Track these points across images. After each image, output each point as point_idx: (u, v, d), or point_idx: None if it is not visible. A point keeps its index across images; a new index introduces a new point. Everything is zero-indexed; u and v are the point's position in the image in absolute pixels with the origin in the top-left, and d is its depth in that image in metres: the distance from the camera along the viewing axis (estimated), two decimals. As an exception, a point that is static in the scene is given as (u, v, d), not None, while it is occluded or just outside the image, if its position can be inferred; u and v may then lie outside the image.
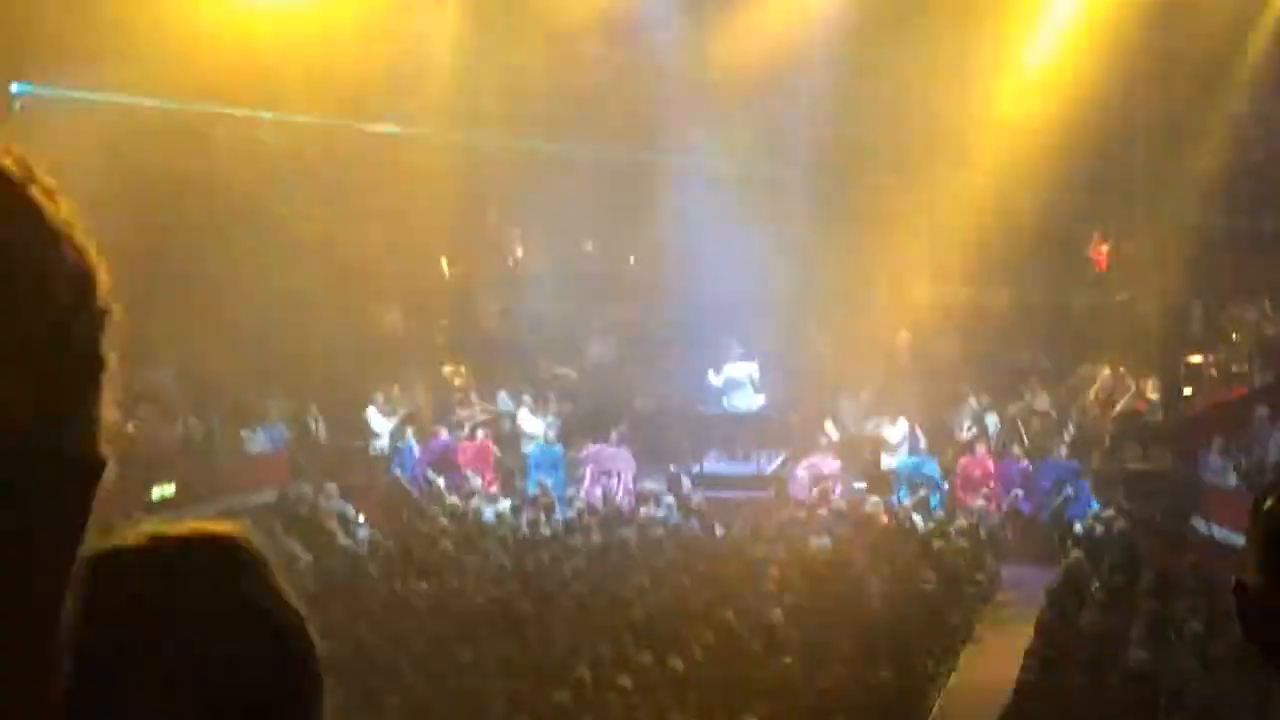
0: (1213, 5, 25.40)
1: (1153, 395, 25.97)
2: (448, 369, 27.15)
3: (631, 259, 30.28)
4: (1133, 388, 25.94)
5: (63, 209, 1.50)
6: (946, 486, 24.17)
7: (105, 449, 1.50)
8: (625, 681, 15.36)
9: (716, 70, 27.59)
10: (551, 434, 25.25)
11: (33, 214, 1.47)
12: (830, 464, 24.32)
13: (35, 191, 1.48)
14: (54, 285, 1.46)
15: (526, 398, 25.99)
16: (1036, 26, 27.11)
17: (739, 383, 26.34)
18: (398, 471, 24.79)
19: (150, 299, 26.91)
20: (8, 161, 1.48)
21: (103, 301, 1.51)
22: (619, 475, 24.77)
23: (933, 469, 24.38)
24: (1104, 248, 29.23)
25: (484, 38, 27.23)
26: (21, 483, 1.41)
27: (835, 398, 26.11)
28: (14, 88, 23.22)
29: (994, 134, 26.47)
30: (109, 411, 1.53)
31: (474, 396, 26.38)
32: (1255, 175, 26.82)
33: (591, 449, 25.25)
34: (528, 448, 25.42)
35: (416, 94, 27.50)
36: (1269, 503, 2.47)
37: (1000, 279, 28.76)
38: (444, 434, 25.20)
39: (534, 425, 25.48)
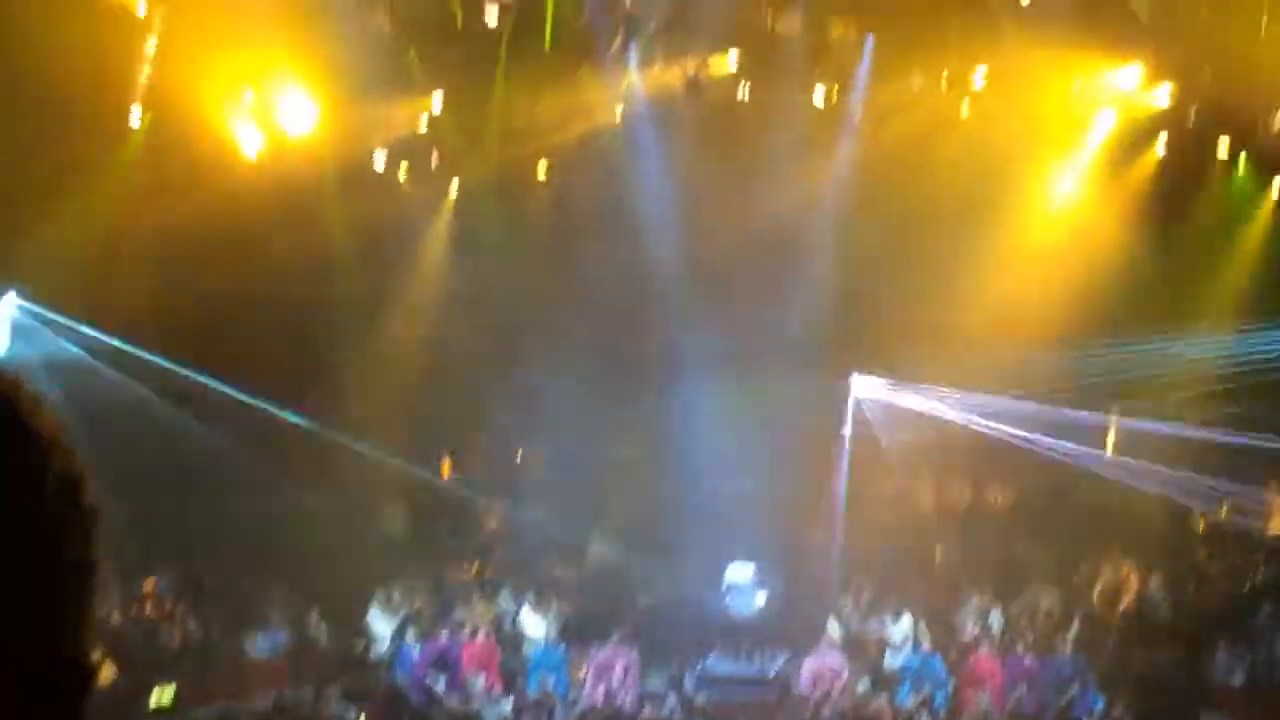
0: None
1: (1158, 591, 25.84)
2: (450, 569, 27.04)
3: (627, 456, 30.19)
4: (1137, 584, 25.83)
5: (49, 417, 1.53)
6: (951, 685, 23.94)
7: (96, 653, 1.51)
8: None
9: (716, 261, 28.08)
10: (553, 634, 25.08)
11: (22, 425, 1.51)
12: (834, 661, 24.12)
13: (24, 402, 1.52)
14: (44, 494, 1.49)
15: (529, 597, 25.85)
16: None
17: (741, 583, 26.26)
18: (398, 673, 24.57)
19: (155, 501, 27.09)
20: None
21: (90, 505, 1.54)
22: (621, 676, 24.55)
23: (937, 667, 24.18)
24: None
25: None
26: (17, 688, 1.42)
27: (837, 596, 25.96)
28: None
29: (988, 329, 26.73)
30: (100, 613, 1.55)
31: (475, 597, 26.21)
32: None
33: (593, 650, 25.07)
34: (529, 648, 25.23)
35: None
36: None
37: (1000, 474, 28.85)
38: (444, 635, 25.01)
39: (535, 625, 25.32)
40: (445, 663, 24.60)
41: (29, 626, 1.47)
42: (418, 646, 24.83)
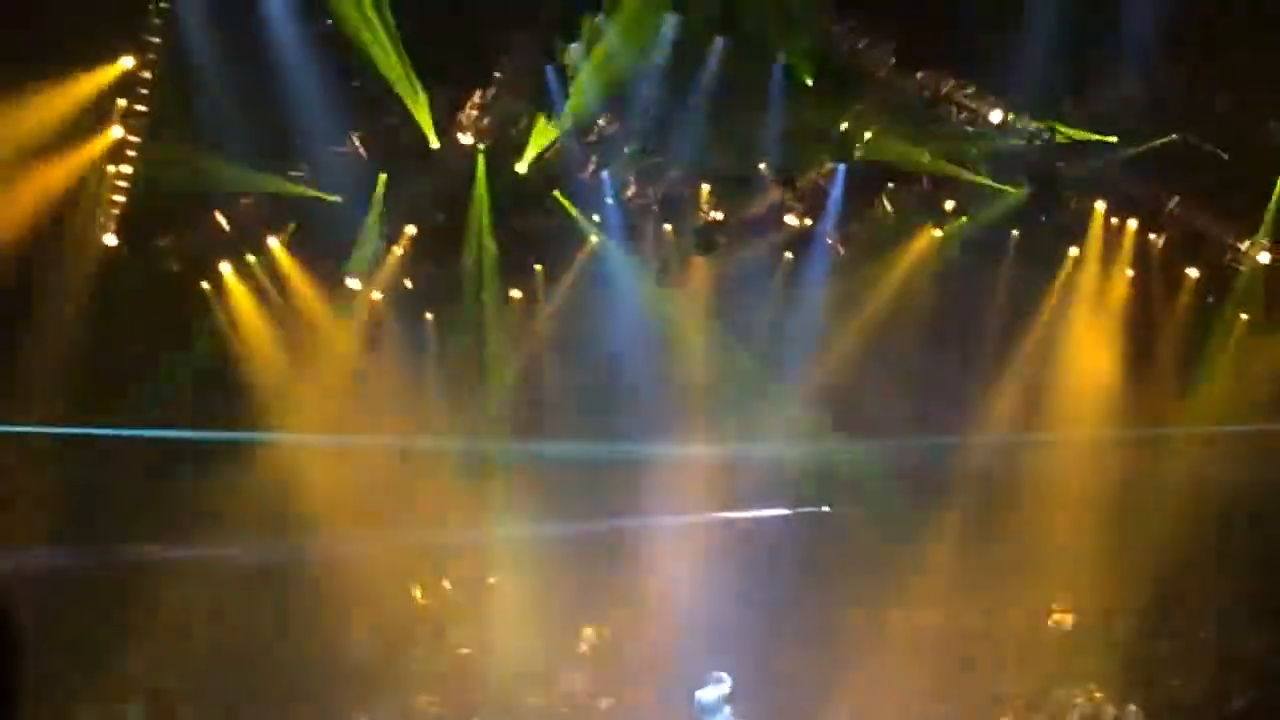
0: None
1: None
2: (421, 699, 26.85)
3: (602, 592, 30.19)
4: (1112, 714, 25.71)
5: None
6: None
7: None
8: None
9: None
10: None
11: None
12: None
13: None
14: None
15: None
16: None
17: (713, 706, 26.02)
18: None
19: (121, 630, 27.00)
20: None
21: (14, 641, 1.62)
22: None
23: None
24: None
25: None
26: None
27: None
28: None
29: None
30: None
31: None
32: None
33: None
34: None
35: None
36: None
37: (971, 600, 28.87)
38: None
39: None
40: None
41: None
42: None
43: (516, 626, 28.52)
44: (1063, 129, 28.60)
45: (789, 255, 31.66)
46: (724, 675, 26.48)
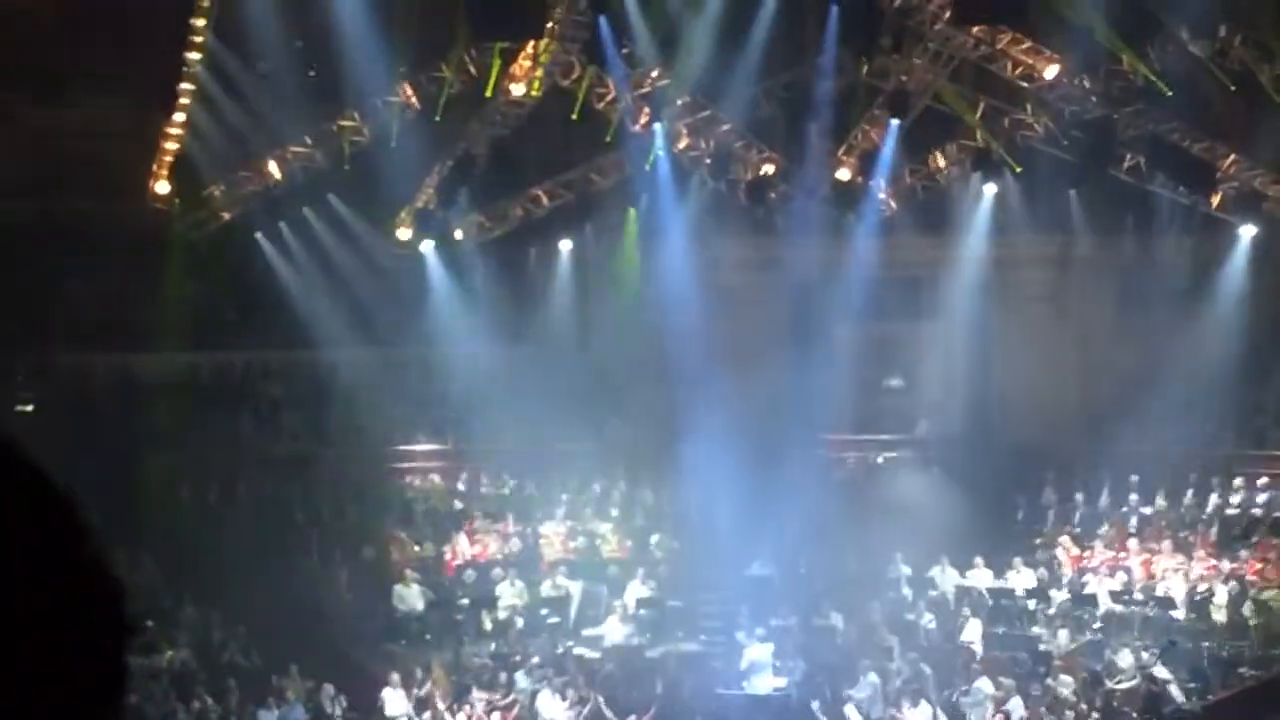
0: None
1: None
2: (467, 649, 26.93)
3: (654, 539, 30.28)
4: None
5: (94, 536, 1.58)
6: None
7: None
8: None
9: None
10: (571, 716, 24.92)
11: (72, 542, 1.55)
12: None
13: (76, 521, 1.56)
14: (88, 607, 1.54)
15: (554, 678, 25.71)
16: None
17: (759, 664, 26.13)
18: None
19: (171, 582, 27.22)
20: (53, 492, 1.57)
21: (129, 623, 1.59)
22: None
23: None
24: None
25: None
26: None
27: (856, 678, 25.79)
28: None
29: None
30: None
31: (492, 677, 26.05)
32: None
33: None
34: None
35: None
36: None
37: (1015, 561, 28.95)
38: (462, 717, 24.88)
39: (553, 709, 25.16)
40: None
41: None
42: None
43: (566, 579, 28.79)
44: (1120, 84, 28.44)
45: (840, 209, 31.64)
46: (767, 633, 26.65)
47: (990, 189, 31.73)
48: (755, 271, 34.25)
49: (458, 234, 32.13)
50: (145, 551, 28.20)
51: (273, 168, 30.15)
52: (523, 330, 33.46)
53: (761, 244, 33.63)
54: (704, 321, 32.85)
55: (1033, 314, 33.86)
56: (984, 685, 25.18)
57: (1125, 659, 25.93)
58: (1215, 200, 30.33)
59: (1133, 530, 29.87)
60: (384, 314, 32.56)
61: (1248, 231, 31.07)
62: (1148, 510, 30.44)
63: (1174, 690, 25.29)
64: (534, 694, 25.42)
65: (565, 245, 34.08)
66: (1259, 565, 27.97)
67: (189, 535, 29.54)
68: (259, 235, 31.59)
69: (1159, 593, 27.71)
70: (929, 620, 27.76)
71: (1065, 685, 25.27)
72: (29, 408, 30.19)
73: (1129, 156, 29.97)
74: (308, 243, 31.85)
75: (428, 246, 32.49)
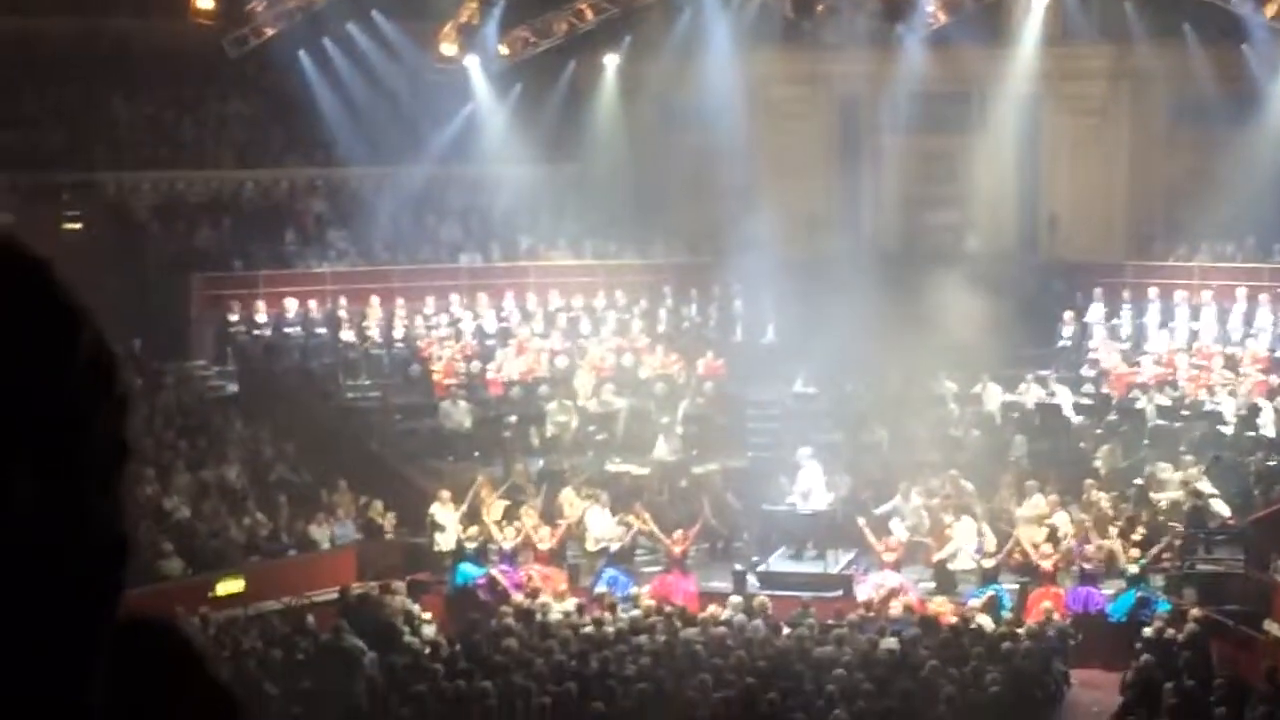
0: None
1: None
2: (515, 465, 27.08)
3: (700, 365, 30.18)
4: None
5: (79, 299, 1.50)
6: (1017, 587, 23.86)
7: (129, 528, 1.53)
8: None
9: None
10: (618, 532, 25.08)
11: (53, 306, 1.47)
12: (894, 579, 23.98)
13: (55, 282, 1.48)
14: (75, 376, 1.47)
15: (601, 494, 25.88)
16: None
17: (808, 481, 26.22)
18: (464, 569, 24.69)
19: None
20: (28, 253, 1.49)
21: (122, 389, 1.52)
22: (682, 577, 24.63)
23: (999, 572, 24.06)
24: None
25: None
26: (57, 564, 1.43)
27: (901, 496, 25.87)
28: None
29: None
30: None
31: (539, 494, 26.19)
32: None
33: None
34: (593, 546, 25.27)
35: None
36: None
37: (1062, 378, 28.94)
38: (511, 532, 25.07)
39: (601, 525, 25.35)
40: (511, 558, 24.71)
41: (65, 505, 1.47)
42: (483, 542, 24.94)
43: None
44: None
45: (888, 21, 31.21)
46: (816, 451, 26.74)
47: (1043, -2, 31.26)
48: (801, 85, 33.91)
49: (502, 49, 31.85)
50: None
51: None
52: (567, 147, 33.32)
53: (808, 57, 33.25)
54: (749, 137, 32.67)
55: (1083, 128, 33.40)
56: (1031, 500, 25.27)
57: (1167, 473, 25.91)
58: (1271, 10, 29.73)
59: (1182, 347, 29.76)
60: (428, 131, 32.43)
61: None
62: (1196, 326, 30.31)
63: (1217, 505, 25.33)
64: (583, 510, 25.60)
65: (610, 60, 33.78)
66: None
67: (239, 353, 29.77)
68: (302, 52, 31.39)
69: (1206, 409, 27.65)
70: (975, 436, 27.79)
71: (1110, 500, 25.29)
72: (75, 225, 30.22)
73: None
74: (352, 59, 31.65)
75: (472, 61, 32.24)
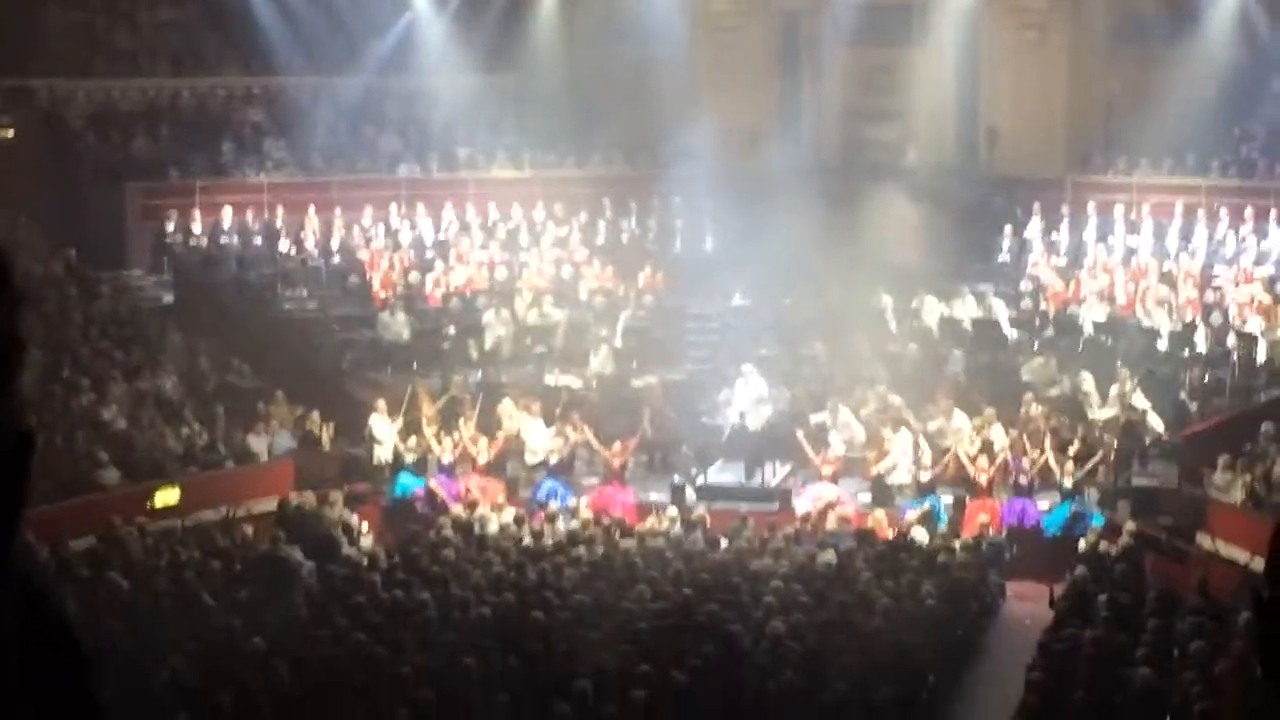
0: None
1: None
2: (456, 379, 27.04)
3: (640, 279, 30.14)
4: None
5: None
6: (951, 499, 24.04)
7: (31, 421, 1.52)
8: (629, 694, 15.32)
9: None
10: (556, 444, 25.13)
11: None
12: (831, 491, 24.14)
13: None
14: None
15: (533, 406, 25.86)
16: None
17: (749, 395, 26.32)
18: (401, 480, 24.71)
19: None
20: None
21: (17, 289, 1.53)
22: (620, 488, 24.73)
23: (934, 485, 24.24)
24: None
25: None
26: None
27: (839, 409, 25.96)
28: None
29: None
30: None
31: (477, 405, 26.17)
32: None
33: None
34: (532, 459, 25.31)
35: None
36: None
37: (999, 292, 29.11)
38: (449, 443, 25.06)
39: (539, 437, 25.37)
40: (450, 470, 24.74)
41: None
42: (421, 453, 24.94)
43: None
44: None
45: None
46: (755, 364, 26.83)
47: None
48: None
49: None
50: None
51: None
52: (506, 58, 33.09)
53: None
54: (689, 49, 32.53)
55: (1024, 41, 33.36)
56: (966, 414, 25.41)
57: (1089, 384, 26.09)
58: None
59: (1118, 262, 29.92)
60: (366, 40, 32.15)
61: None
62: (1134, 242, 30.47)
63: (1152, 419, 25.55)
64: (520, 422, 25.61)
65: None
66: (1242, 298, 28.04)
67: (175, 263, 29.57)
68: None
69: (1144, 324, 27.83)
70: (913, 350, 27.90)
71: (1044, 414, 25.45)
72: (8, 133, 29.85)
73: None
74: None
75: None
